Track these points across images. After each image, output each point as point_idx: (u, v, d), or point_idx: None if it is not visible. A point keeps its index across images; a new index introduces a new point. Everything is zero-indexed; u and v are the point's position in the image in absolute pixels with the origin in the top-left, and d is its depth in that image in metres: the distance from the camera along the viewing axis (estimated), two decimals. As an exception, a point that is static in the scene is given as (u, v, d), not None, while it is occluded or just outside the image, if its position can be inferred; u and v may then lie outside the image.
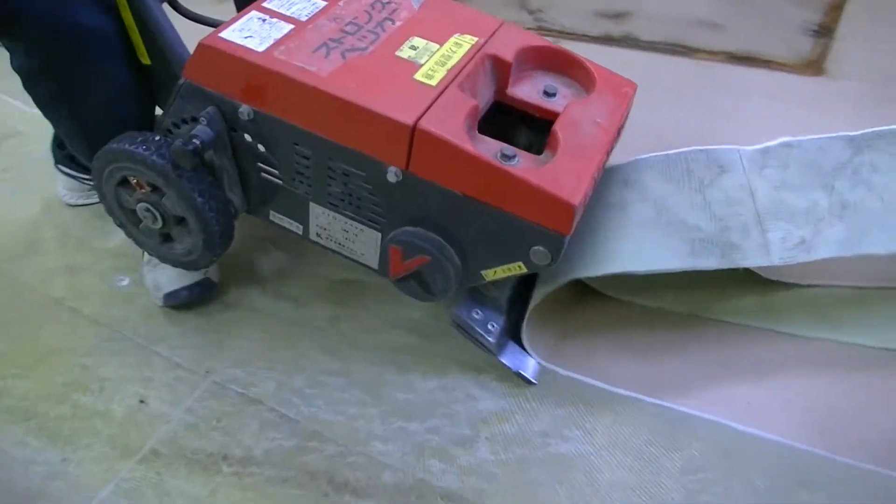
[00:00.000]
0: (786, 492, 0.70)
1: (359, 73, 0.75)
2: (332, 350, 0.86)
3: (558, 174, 0.71)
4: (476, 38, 0.80)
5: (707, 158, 0.86)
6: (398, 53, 0.77)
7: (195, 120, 0.80)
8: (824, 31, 1.31)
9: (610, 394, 0.80)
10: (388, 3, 0.84)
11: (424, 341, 0.87)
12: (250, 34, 0.77)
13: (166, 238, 0.88)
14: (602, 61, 0.83)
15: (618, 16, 1.43)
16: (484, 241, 0.75)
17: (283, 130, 0.77)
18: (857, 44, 1.28)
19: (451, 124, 0.72)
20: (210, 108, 0.79)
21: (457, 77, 0.76)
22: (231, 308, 0.93)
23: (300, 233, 0.85)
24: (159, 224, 0.86)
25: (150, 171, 0.81)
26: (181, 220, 0.85)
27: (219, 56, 0.76)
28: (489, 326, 0.83)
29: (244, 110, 0.77)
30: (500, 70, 0.80)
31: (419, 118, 0.71)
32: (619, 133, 0.81)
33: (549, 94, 0.81)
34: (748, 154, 0.86)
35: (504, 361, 0.82)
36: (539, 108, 0.80)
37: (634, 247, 0.81)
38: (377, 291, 0.93)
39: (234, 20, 0.79)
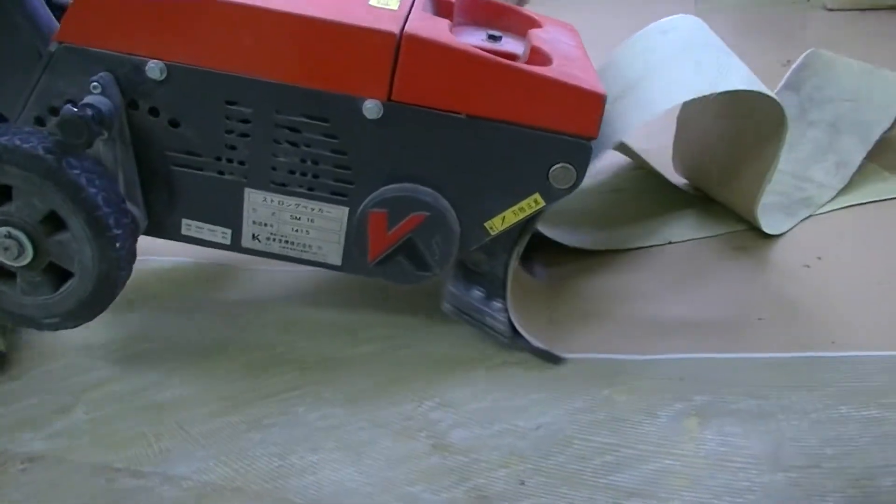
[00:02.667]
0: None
1: (305, 0, 0.61)
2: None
3: (567, 71, 0.61)
4: None
5: None
6: None
7: (72, 104, 0.59)
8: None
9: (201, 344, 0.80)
10: None
11: (36, 336, 0.84)
12: None
13: (39, 281, 0.66)
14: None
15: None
16: (489, 179, 0.63)
17: (211, 87, 0.61)
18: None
19: (440, 32, 0.60)
20: (102, 74, 0.60)
21: (413, 5, 0.65)
22: None
23: (227, 241, 0.68)
24: (28, 254, 0.63)
25: (13, 168, 0.59)
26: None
27: None
28: (495, 304, 0.71)
29: (154, 67, 0.60)
30: (444, 14, 0.72)
31: (403, 27, 0.59)
32: None
33: (494, 37, 0.72)
34: None
35: (522, 344, 0.72)
36: (489, 51, 0.69)
37: None
38: None
39: None
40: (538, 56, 0.67)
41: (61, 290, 0.66)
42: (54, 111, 0.62)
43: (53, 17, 0.64)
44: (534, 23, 0.77)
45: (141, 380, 0.76)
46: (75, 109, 0.57)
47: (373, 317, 0.81)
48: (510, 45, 0.72)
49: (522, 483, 0.62)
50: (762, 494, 0.61)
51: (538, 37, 0.71)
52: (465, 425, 0.67)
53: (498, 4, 0.79)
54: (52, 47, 0.61)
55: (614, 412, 0.68)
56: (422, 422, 0.68)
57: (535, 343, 0.73)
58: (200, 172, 0.65)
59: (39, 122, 0.64)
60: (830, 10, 1.70)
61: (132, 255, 0.66)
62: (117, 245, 0.62)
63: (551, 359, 0.73)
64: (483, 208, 0.64)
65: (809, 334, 0.77)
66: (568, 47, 0.71)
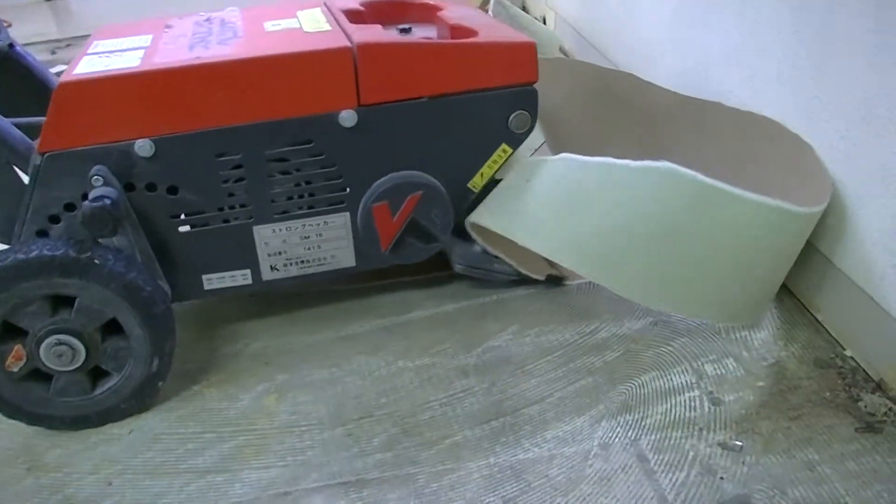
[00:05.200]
0: None
1: (253, 43, 0.65)
2: None
3: (496, 35, 0.70)
4: (319, 7, 0.77)
5: None
6: (269, 29, 0.70)
7: (70, 209, 0.62)
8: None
9: None
10: (210, 18, 0.75)
11: None
12: (108, 63, 0.62)
13: (93, 377, 0.70)
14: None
15: None
16: (461, 146, 0.72)
17: (199, 147, 0.65)
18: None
19: (380, 35, 0.67)
20: (97, 167, 0.62)
21: (338, 21, 0.71)
22: None
23: (250, 281, 0.74)
24: (82, 354, 0.66)
25: (51, 275, 0.61)
26: (108, 333, 0.67)
27: (94, 89, 0.60)
28: (493, 255, 0.81)
29: (142, 145, 0.63)
30: (359, 21, 0.76)
31: (350, 39, 0.64)
32: None
33: (405, 30, 0.78)
34: None
35: (527, 273, 0.83)
36: None
37: None
38: None
39: (74, 63, 0.62)
40: (464, 31, 0.76)
41: (93, 393, 0.71)
42: (55, 219, 0.65)
43: (26, 137, 0.66)
44: (436, 7, 0.86)
45: None
46: (94, 203, 0.60)
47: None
48: (421, 32, 0.82)
49: (110, 484, 0.70)
50: (321, 449, 0.73)
51: (451, 17, 0.80)
52: (61, 444, 0.74)
53: (398, 2, 0.87)
54: (36, 161, 0.62)
55: (202, 404, 0.78)
56: (20, 449, 0.74)
57: (537, 276, 0.85)
58: (208, 228, 0.69)
59: (42, 234, 0.65)
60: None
61: (174, 328, 0.70)
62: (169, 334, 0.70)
63: (555, 281, 0.86)
64: (463, 172, 0.74)
65: (381, 310, 0.91)
66: (479, 17, 0.81)
